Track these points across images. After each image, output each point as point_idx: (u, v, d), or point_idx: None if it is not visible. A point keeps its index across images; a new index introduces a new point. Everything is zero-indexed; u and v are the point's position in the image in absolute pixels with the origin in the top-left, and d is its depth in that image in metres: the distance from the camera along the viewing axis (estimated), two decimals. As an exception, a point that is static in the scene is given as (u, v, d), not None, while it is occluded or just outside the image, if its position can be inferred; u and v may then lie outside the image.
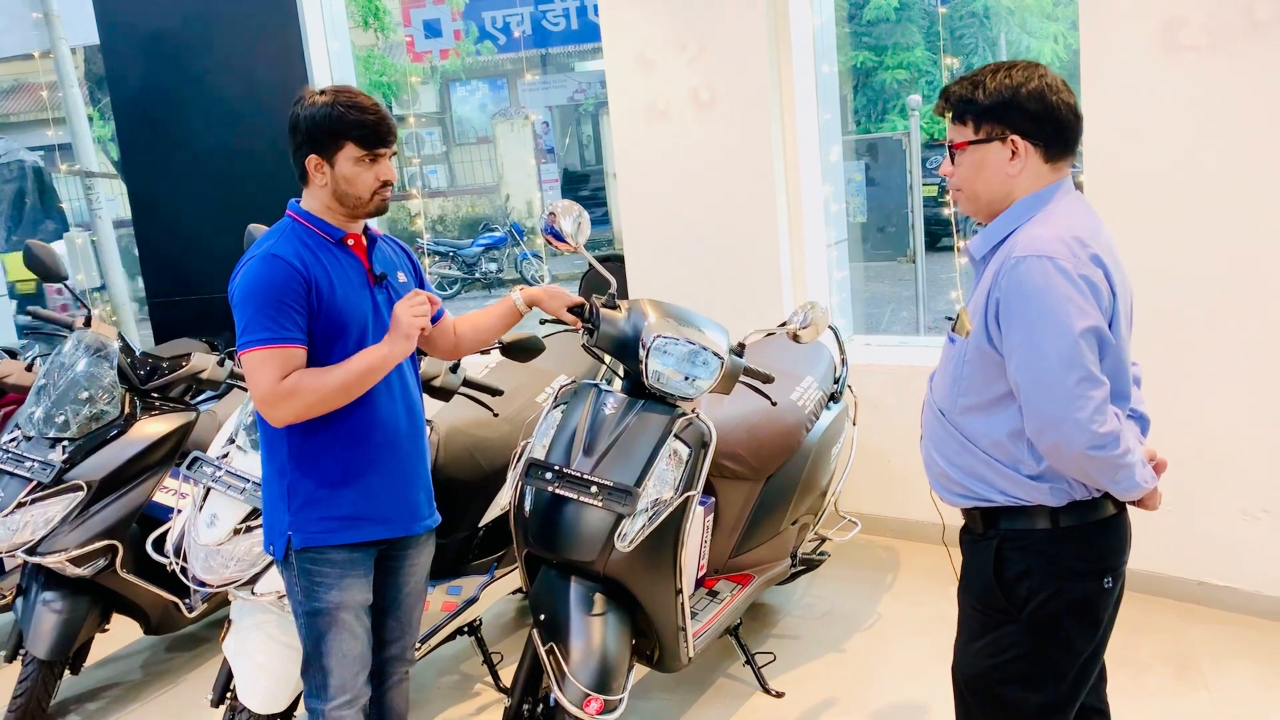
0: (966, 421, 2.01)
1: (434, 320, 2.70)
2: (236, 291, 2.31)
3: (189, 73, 5.46)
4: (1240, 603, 3.56)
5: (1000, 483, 1.98)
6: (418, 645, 2.92)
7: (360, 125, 2.30)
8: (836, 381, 3.81)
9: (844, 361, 3.91)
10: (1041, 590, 1.97)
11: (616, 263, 4.91)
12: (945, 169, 2.09)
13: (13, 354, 4.46)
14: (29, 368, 4.11)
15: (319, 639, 2.43)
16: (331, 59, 5.63)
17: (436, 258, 14.24)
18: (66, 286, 3.63)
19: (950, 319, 2.11)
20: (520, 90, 20.85)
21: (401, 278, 2.54)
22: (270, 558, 2.68)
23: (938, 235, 10.38)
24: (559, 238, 2.79)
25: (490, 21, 19.57)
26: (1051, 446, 1.87)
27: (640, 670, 3.19)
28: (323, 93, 2.34)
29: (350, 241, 2.42)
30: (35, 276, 3.65)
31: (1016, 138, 1.95)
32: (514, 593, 3.80)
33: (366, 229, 2.48)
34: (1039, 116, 1.94)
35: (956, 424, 2.03)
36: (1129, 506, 2.04)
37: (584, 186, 18.49)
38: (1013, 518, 1.99)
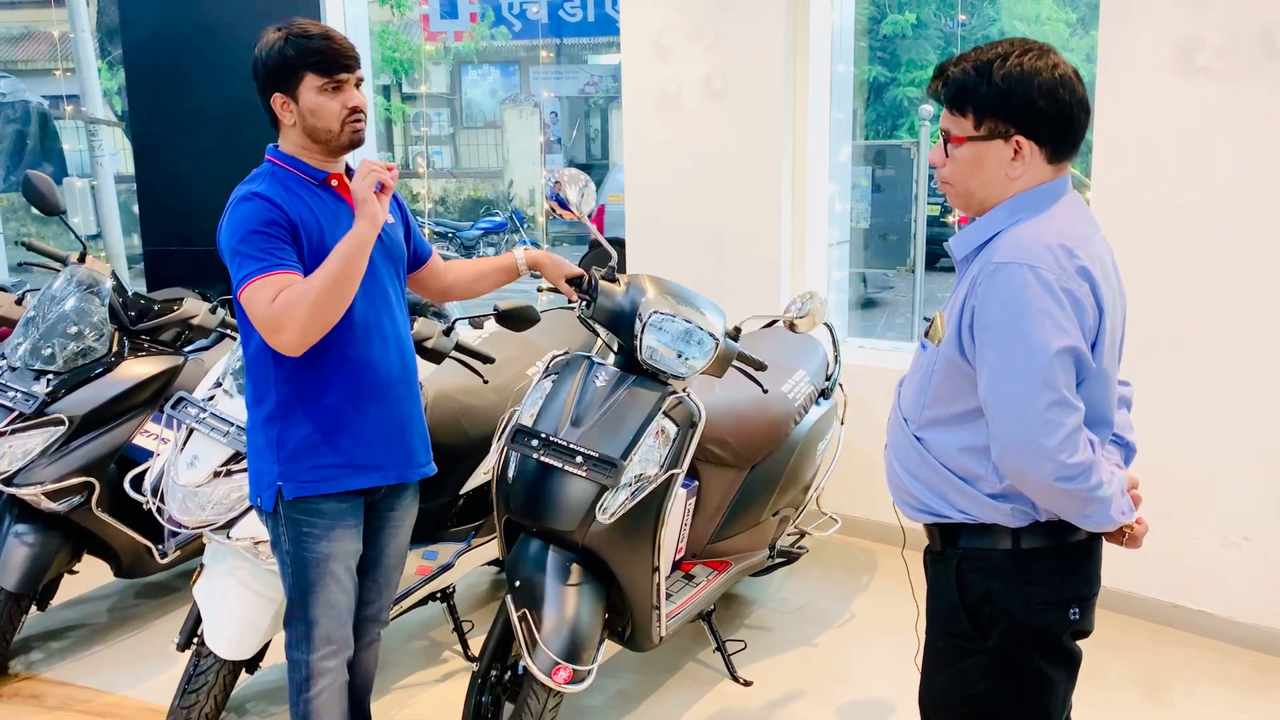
0: (929, 433, 1.88)
1: (425, 258, 2.68)
2: (223, 238, 2.26)
3: (202, 24, 5.42)
4: (1214, 628, 3.56)
5: (958, 499, 1.85)
6: (389, 606, 2.90)
7: (315, 52, 2.24)
8: (828, 378, 3.80)
9: (837, 359, 3.90)
10: (1004, 618, 1.83)
11: (616, 245, 4.89)
12: (936, 157, 1.87)
13: (3, 289, 4.43)
14: (19, 301, 4.09)
15: (307, 590, 2.39)
16: (347, 22, 5.60)
17: (436, 238, 14.27)
18: (63, 221, 3.59)
19: (927, 320, 1.95)
20: (532, 78, 20.85)
21: (389, 219, 2.47)
22: (248, 504, 2.66)
23: (937, 255, 10.37)
24: (564, 205, 2.78)
25: (507, 7, 19.58)
26: (1016, 473, 1.73)
27: (610, 650, 3.18)
28: (277, 29, 2.29)
29: (334, 182, 2.36)
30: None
31: (1022, 138, 1.76)
32: (489, 564, 3.79)
33: (349, 169, 2.43)
34: (1050, 116, 1.74)
35: (919, 434, 1.90)
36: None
37: (588, 178, 18.45)
38: (972, 536, 1.85)
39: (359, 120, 2.31)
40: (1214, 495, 3.50)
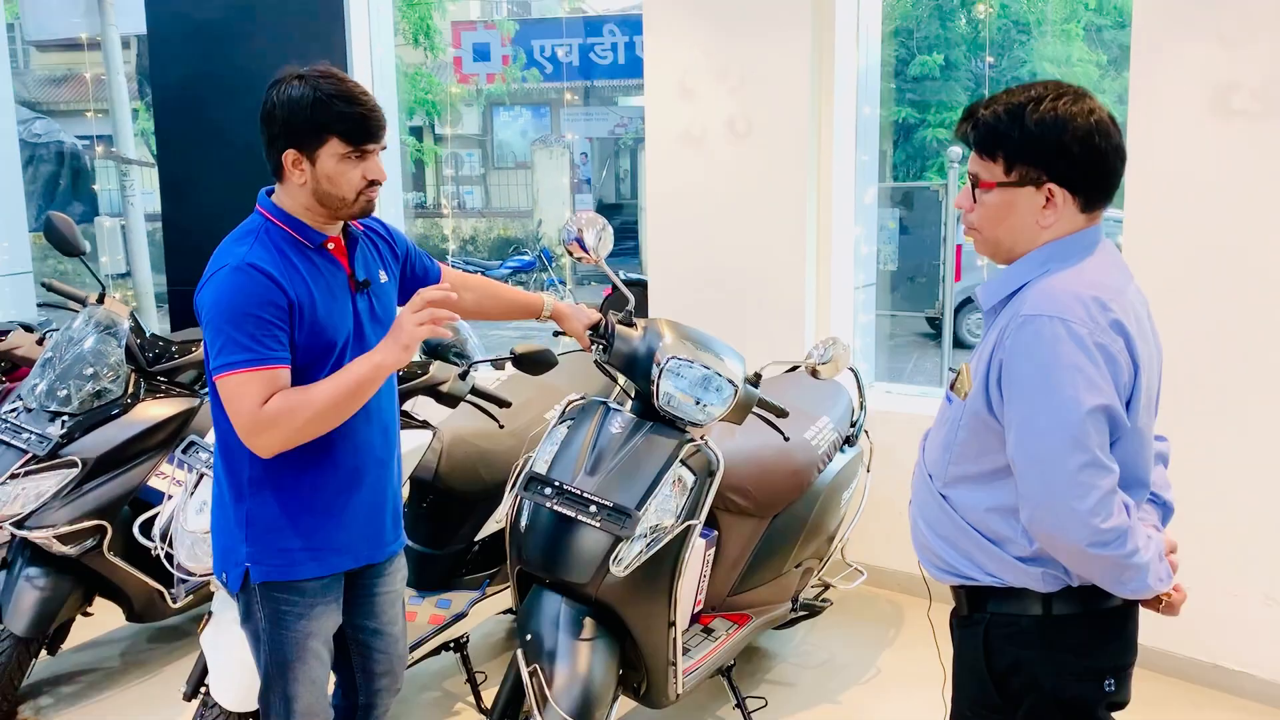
0: (955, 491, 1.80)
1: (435, 281, 2.52)
2: (207, 306, 2.03)
3: (231, 64, 5.47)
4: (1256, 690, 3.42)
5: (986, 562, 1.76)
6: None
7: (347, 118, 2.03)
8: (853, 425, 3.72)
9: (863, 405, 3.82)
10: (1033, 689, 1.74)
11: (639, 287, 4.85)
12: (963, 201, 1.80)
13: (29, 329, 4.44)
14: (40, 341, 4.09)
15: (285, 667, 2.27)
16: (375, 64, 5.63)
17: (464, 276, 14.32)
18: (84, 262, 3.59)
19: (953, 371, 1.85)
20: (562, 119, 21.01)
21: (383, 278, 2.32)
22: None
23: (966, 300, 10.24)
24: (582, 246, 2.75)
25: (539, 50, 19.80)
26: (1047, 537, 1.65)
27: (625, 706, 3.09)
28: (301, 76, 2.06)
29: (330, 246, 2.17)
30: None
31: (1054, 185, 1.69)
32: (504, 612, 3.70)
33: (346, 226, 2.23)
34: (1084, 163, 1.67)
35: (944, 492, 1.82)
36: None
37: (616, 218, 18.57)
38: (1001, 600, 1.77)
39: (375, 190, 2.14)
40: (1257, 550, 3.37)
